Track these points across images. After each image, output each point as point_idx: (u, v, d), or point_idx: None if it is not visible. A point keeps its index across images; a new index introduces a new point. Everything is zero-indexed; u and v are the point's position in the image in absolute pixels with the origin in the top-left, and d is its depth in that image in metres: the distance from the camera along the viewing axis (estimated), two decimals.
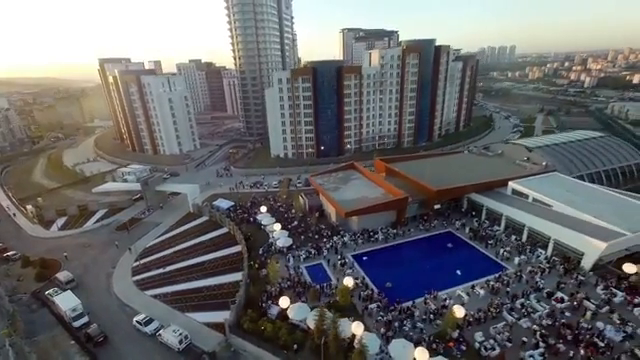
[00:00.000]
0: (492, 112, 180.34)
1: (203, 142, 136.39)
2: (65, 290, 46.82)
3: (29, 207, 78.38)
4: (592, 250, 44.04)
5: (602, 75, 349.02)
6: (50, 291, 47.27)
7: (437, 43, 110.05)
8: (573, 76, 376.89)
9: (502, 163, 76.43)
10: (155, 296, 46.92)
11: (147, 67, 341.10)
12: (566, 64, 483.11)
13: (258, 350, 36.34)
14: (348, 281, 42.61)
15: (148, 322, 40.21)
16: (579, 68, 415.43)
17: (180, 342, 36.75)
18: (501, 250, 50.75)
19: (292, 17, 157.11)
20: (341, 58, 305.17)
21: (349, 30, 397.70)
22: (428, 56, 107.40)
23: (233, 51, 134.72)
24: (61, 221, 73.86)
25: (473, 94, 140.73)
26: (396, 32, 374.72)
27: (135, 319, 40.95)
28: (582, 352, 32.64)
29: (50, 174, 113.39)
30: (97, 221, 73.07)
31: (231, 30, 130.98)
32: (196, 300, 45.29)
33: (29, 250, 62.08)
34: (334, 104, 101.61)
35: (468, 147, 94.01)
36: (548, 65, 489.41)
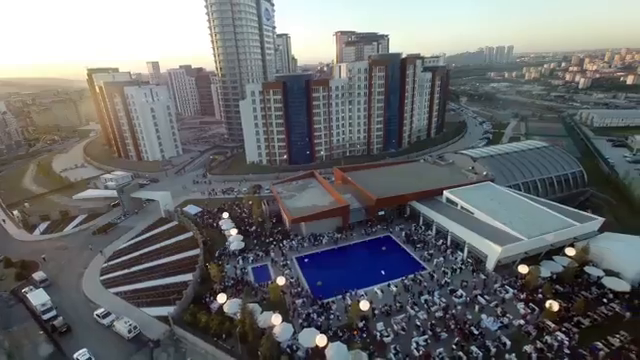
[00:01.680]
0: (469, 117, 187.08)
1: (186, 148, 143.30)
2: (38, 288, 53.64)
3: (15, 212, 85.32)
4: (492, 253, 50.85)
5: (597, 76, 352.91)
6: (26, 289, 54.11)
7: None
8: (568, 77, 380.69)
9: (450, 172, 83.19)
10: (117, 293, 53.77)
11: (146, 67, 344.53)
12: (563, 64, 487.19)
13: (195, 338, 43.15)
14: (280, 280, 49.41)
15: (106, 315, 47.01)
16: (575, 69, 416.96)
17: (129, 332, 43.55)
18: (425, 252, 57.68)
19: (274, 27, 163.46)
20: (335, 59, 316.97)
21: (342, 33, 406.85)
22: (394, 69, 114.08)
23: (215, 62, 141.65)
24: (43, 225, 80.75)
25: (444, 102, 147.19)
26: (386, 36, 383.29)
27: (95, 313, 47.76)
28: (456, 338, 39.47)
29: (39, 180, 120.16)
30: (76, 226, 79.87)
31: (213, 42, 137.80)
32: (151, 297, 52.10)
33: (13, 252, 68.81)
34: (304, 114, 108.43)
35: (424, 157, 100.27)
36: (545, 65, 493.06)
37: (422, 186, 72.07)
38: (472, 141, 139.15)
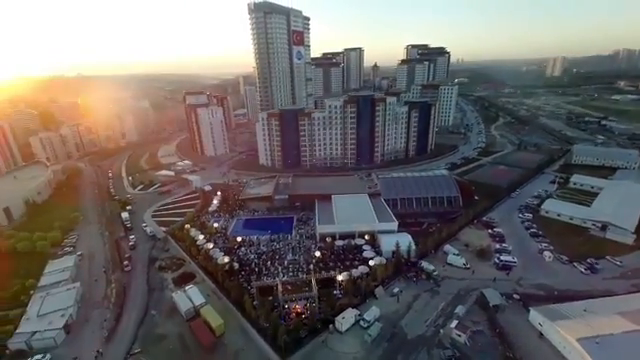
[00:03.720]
0: (471, 142, 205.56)
1: (234, 149, 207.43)
2: (126, 211, 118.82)
3: (130, 178, 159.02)
4: (318, 229, 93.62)
5: None
6: (122, 211, 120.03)
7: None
8: None
9: (361, 185, 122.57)
10: (155, 220, 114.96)
11: (243, 76, 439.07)
12: None
13: (170, 239, 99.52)
14: (214, 225, 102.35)
15: (146, 226, 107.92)
16: None
17: (150, 232, 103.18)
18: (300, 228, 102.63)
19: (306, 63, 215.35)
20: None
21: (413, 46, 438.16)
22: (365, 105, 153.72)
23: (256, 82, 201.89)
24: (140, 186, 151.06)
25: (426, 129, 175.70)
26: (447, 53, 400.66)
27: (143, 224, 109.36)
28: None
29: (148, 161, 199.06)
30: (153, 188, 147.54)
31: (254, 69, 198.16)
32: (166, 223, 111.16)
33: (123, 196, 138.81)
34: (294, 135, 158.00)
35: (358, 173, 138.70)
36: None
37: (328, 191, 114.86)
38: (439, 164, 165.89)
